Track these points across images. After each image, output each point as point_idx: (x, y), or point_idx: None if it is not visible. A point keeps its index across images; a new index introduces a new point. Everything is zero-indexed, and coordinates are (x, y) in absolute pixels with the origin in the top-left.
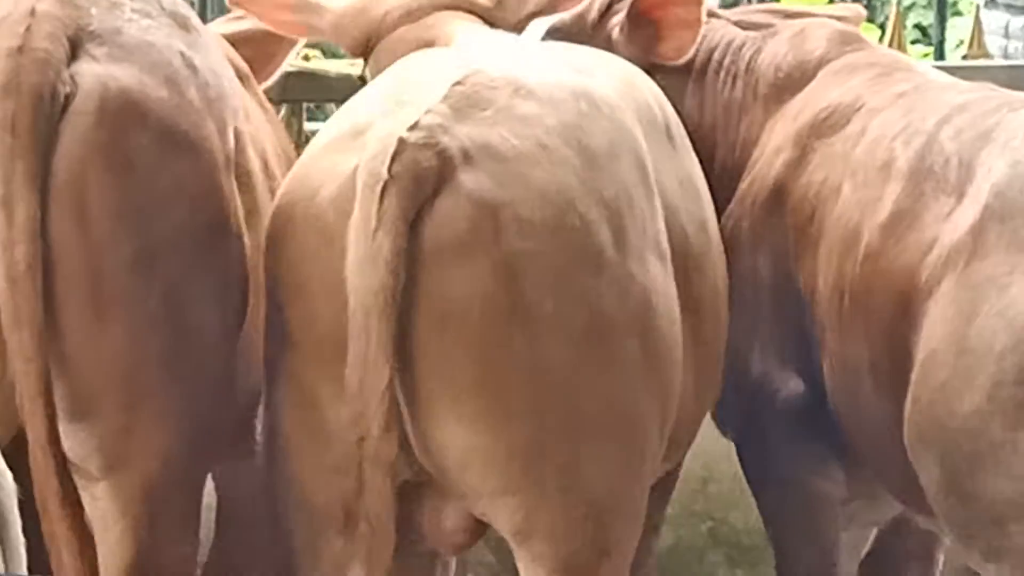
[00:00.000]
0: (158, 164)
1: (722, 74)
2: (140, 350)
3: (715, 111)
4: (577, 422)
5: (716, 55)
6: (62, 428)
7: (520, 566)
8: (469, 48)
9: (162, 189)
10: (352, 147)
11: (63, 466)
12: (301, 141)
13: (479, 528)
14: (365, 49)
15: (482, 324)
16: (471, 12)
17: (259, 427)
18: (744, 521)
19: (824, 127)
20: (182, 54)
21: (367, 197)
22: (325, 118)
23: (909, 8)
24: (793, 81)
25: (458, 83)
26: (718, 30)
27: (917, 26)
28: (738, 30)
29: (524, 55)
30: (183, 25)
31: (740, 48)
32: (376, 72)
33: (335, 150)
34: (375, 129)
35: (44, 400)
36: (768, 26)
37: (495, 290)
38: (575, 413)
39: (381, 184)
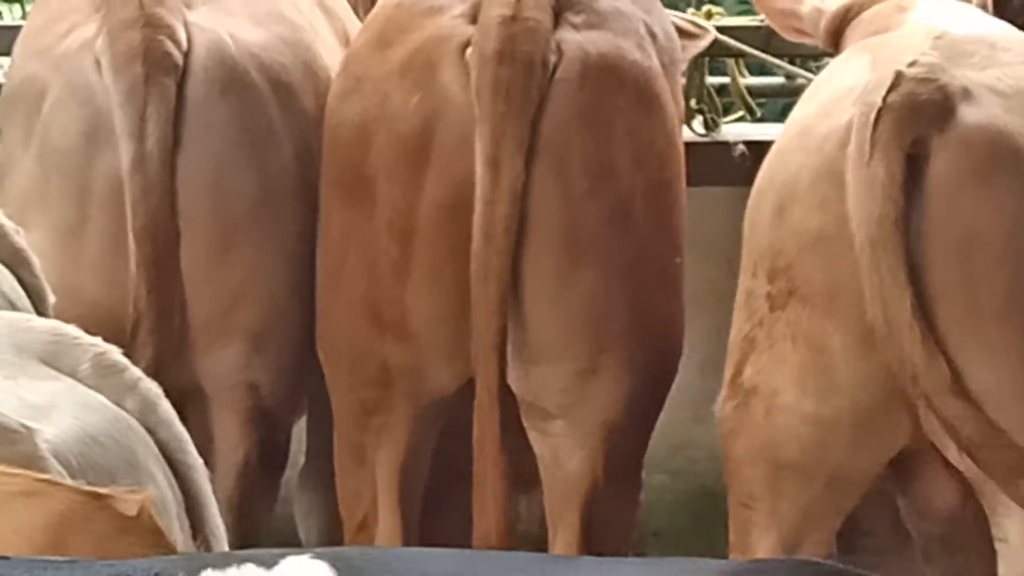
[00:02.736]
0: (633, 124)
1: None
2: (611, 299)
3: None
4: None
5: None
6: (520, 371)
7: (1004, 522)
8: (932, 15)
9: (636, 147)
10: (843, 104)
11: (505, 414)
12: (703, 95)
13: (968, 503)
14: (838, 34)
15: (1010, 250)
16: None
17: None
18: None
19: None
20: (644, 21)
21: (861, 127)
22: (724, 73)
23: None
24: None
25: (938, 37)
26: None
27: None
28: None
29: (986, 20)
30: None
31: None
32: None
33: (828, 113)
34: (868, 77)
35: (499, 352)
36: None
37: (1021, 214)
38: None
39: (875, 113)
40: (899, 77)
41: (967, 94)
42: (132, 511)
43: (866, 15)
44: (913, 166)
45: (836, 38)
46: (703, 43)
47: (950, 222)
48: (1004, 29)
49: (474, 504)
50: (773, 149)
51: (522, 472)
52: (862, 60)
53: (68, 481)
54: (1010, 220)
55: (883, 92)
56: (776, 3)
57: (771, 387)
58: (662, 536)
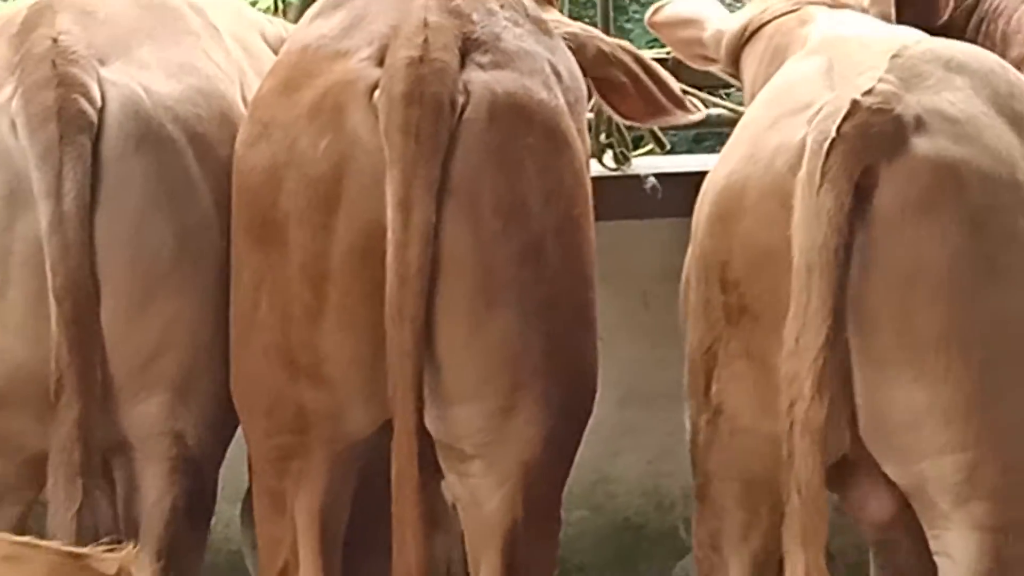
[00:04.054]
0: (542, 162)
1: (980, 39)
2: (526, 337)
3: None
4: None
5: (984, 21)
6: (437, 412)
7: (945, 536)
8: (875, 27)
9: (546, 186)
10: (798, 120)
11: (423, 455)
12: (613, 129)
13: (903, 513)
14: (737, 52)
15: (951, 279)
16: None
17: None
18: None
19: None
20: (548, 60)
21: (814, 155)
22: None
23: None
24: None
25: (895, 56)
26: None
27: None
28: None
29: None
30: (545, 31)
31: (998, 12)
32: (753, 70)
33: (781, 127)
34: (826, 98)
35: (415, 393)
36: None
37: (963, 245)
38: None
39: (828, 142)
40: (855, 106)
41: (919, 122)
42: (111, 570)
43: (767, 30)
44: (862, 194)
45: (736, 57)
46: (694, 118)
47: (894, 250)
48: (928, 40)
49: (393, 546)
50: (726, 146)
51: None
52: (816, 64)
53: (46, 543)
54: (951, 251)
55: (838, 121)
56: (679, 33)
57: (733, 406)
58: (586, 571)
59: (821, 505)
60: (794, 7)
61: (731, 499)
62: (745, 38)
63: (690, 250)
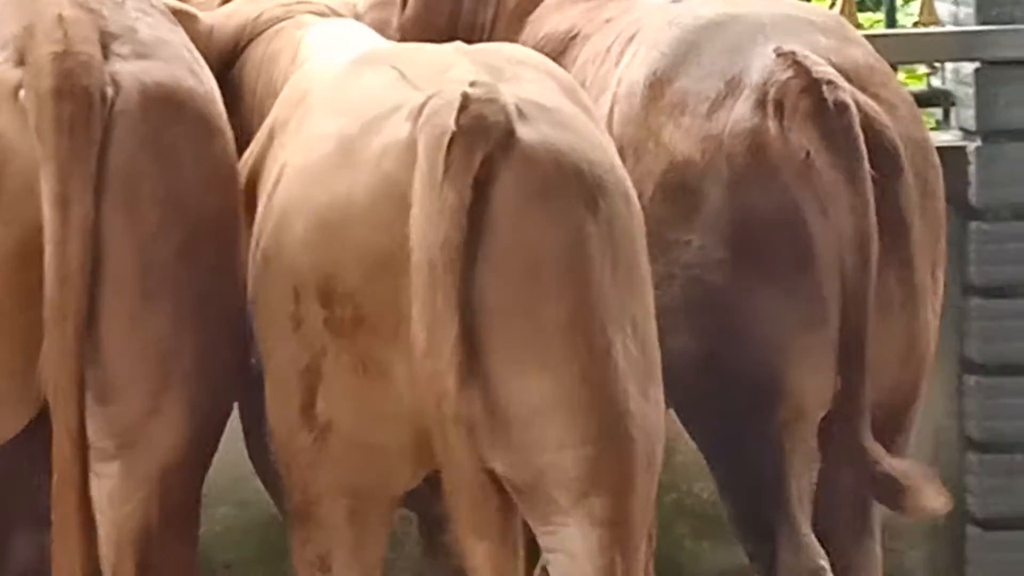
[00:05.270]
0: (197, 151)
1: None
2: (179, 336)
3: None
4: (651, 364)
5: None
6: (89, 412)
7: (563, 531)
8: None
9: (202, 175)
10: (395, 120)
11: (86, 457)
12: None
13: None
14: (235, 52)
15: (573, 266)
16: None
17: None
18: (710, 491)
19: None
20: (185, 46)
21: (432, 150)
22: None
23: None
24: (528, 9)
25: (466, 52)
26: None
27: None
28: None
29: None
30: (172, 20)
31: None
32: (255, 76)
33: (376, 130)
34: (418, 97)
35: (77, 393)
36: None
37: (582, 230)
38: (650, 354)
39: (448, 136)
40: (467, 98)
41: (521, 112)
42: None
43: (268, 33)
44: (480, 186)
45: (231, 59)
46: None
47: (516, 239)
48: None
49: (54, 546)
50: (297, 167)
51: None
52: (385, 73)
53: None
54: (572, 237)
55: (454, 114)
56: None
57: (348, 423)
58: (233, 568)
59: (486, 493)
60: (288, 14)
61: (342, 517)
62: (245, 42)
63: (262, 270)
